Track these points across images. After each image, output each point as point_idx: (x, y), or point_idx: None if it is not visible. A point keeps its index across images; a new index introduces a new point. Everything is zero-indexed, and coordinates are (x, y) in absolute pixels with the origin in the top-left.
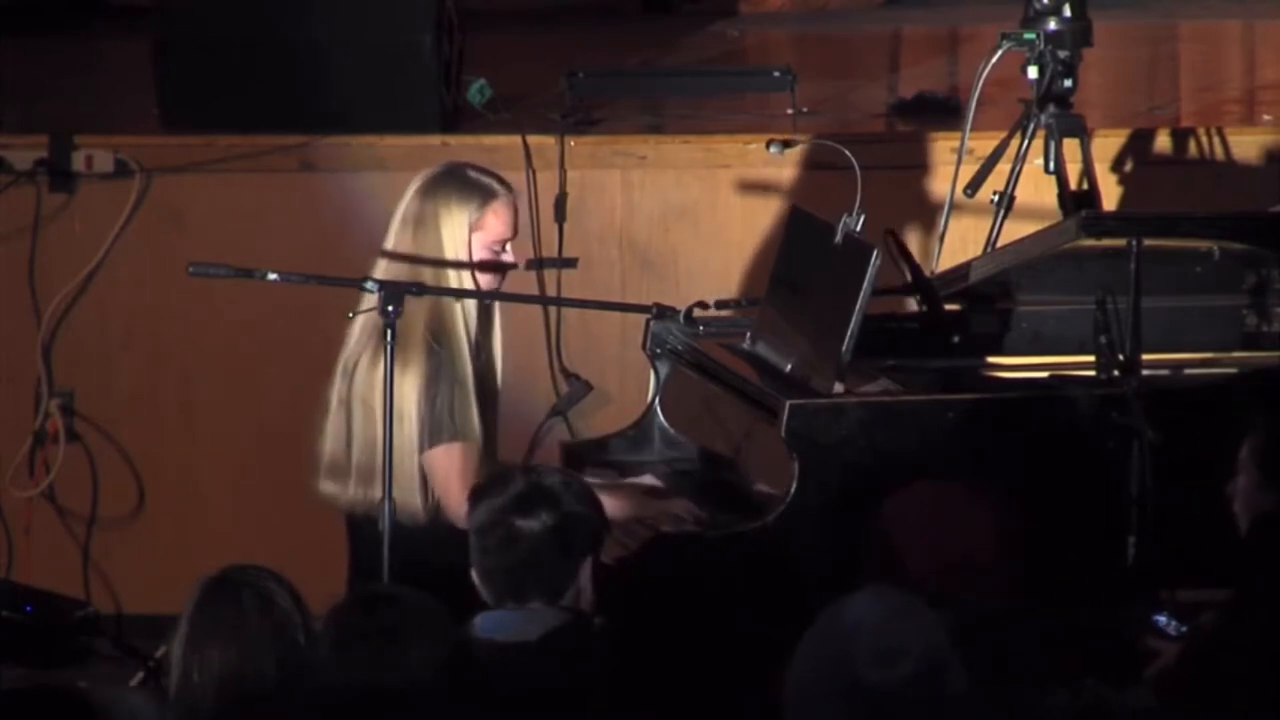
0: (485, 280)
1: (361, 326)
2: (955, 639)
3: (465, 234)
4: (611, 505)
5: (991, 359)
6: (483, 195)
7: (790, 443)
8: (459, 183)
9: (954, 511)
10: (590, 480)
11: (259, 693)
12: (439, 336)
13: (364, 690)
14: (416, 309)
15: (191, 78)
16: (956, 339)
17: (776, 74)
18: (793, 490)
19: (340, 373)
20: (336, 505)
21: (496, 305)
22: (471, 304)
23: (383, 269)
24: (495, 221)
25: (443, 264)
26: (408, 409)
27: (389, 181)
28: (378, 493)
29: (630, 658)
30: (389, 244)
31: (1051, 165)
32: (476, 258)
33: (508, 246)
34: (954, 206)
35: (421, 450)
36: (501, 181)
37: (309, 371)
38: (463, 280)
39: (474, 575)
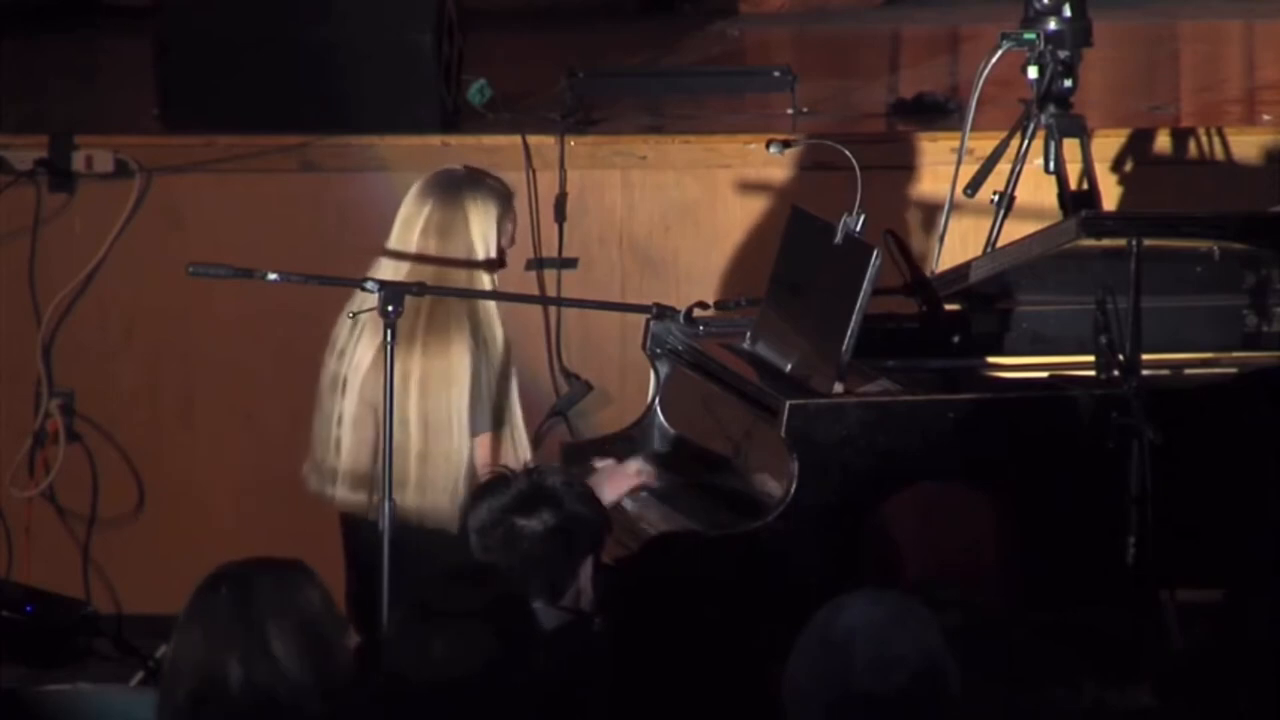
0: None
1: (369, 337)
2: (954, 641)
3: (495, 235)
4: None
5: (991, 359)
6: (505, 199)
7: (790, 442)
8: (484, 188)
9: (954, 511)
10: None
11: (228, 691)
12: (479, 329)
13: (354, 693)
14: (452, 306)
15: (192, 78)
16: (956, 339)
17: (776, 74)
18: (792, 490)
19: (360, 379)
20: (355, 512)
21: (508, 306)
22: (499, 304)
23: (403, 274)
24: (512, 225)
25: (473, 265)
26: (457, 400)
27: (389, 182)
28: (412, 498)
29: (630, 658)
30: (411, 250)
31: (1051, 165)
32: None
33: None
34: (954, 206)
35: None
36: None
37: (309, 372)
38: (489, 280)
39: None
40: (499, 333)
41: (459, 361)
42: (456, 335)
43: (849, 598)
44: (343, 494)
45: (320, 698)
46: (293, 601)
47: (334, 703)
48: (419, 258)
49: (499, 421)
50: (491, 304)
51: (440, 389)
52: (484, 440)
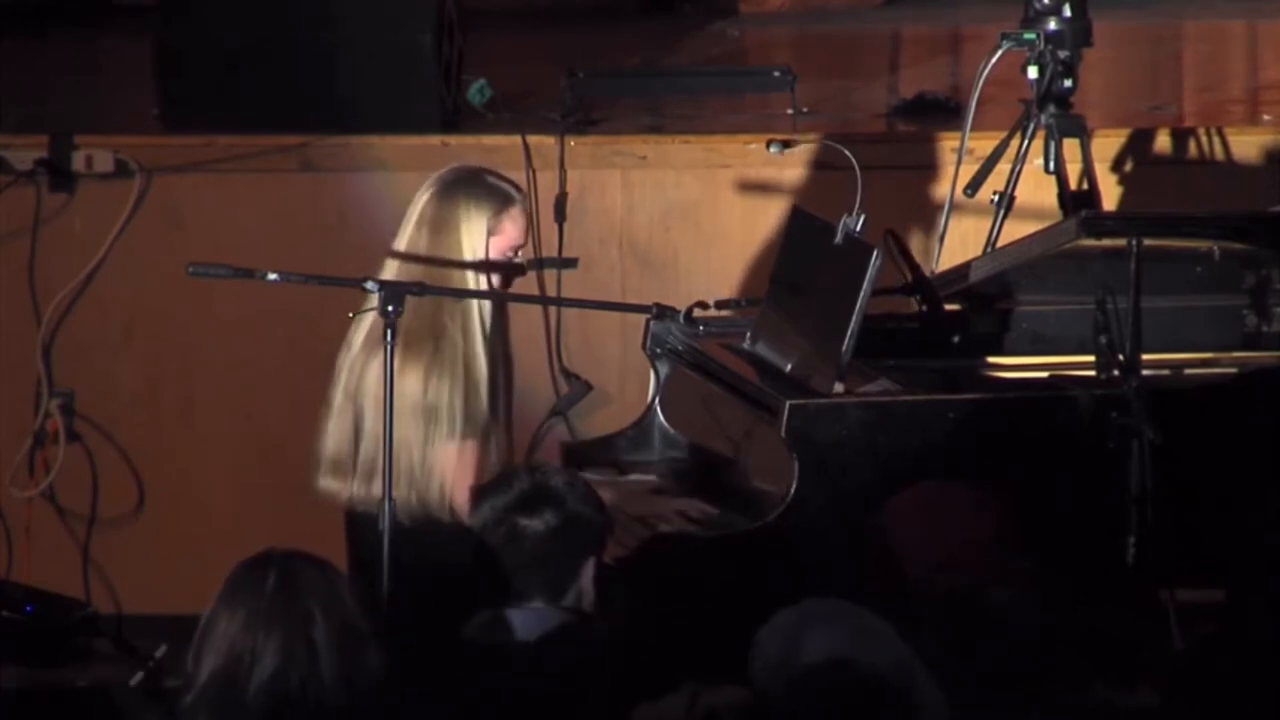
0: (496, 284)
1: (370, 326)
2: (953, 641)
3: (483, 238)
4: (617, 501)
5: (991, 359)
6: (502, 201)
7: (790, 442)
8: (479, 188)
9: (953, 512)
10: (594, 478)
11: (259, 673)
12: (442, 334)
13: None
14: (424, 307)
15: (192, 77)
16: (956, 339)
17: (776, 74)
18: (792, 490)
19: (346, 370)
20: (336, 502)
21: (510, 306)
22: (487, 304)
23: (395, 269)
24: (512, 228)
25: (461, 265)
26: (410, 404)
27: (389, 181)
28: (378, 489)
29: (630, 658)
30: (402, 245)
31: (1051, 165)
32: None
33: (519, 252)
34: (954, 206)
35: (430, 444)
36: (517, 188)
37: (309, 371)
38: (478, 282)
39: None
40: (477, 340)
41: (413, 368)
42: (415, 340)
43: (810, 605)
44: (325, 482)
45: (346, 697)
46: (337, 597)
47: (358, 705)
48: (411, 256)
49: (464, 430)
50: (473, 308)
51: (398, 388)
52: (448, 449)
